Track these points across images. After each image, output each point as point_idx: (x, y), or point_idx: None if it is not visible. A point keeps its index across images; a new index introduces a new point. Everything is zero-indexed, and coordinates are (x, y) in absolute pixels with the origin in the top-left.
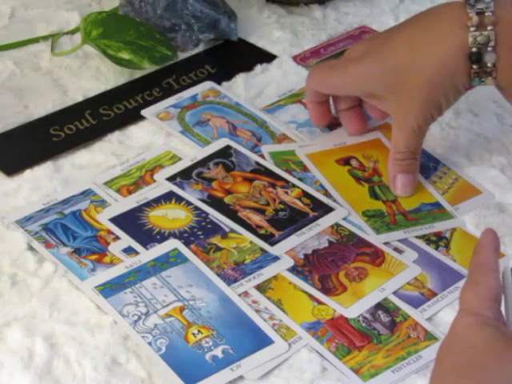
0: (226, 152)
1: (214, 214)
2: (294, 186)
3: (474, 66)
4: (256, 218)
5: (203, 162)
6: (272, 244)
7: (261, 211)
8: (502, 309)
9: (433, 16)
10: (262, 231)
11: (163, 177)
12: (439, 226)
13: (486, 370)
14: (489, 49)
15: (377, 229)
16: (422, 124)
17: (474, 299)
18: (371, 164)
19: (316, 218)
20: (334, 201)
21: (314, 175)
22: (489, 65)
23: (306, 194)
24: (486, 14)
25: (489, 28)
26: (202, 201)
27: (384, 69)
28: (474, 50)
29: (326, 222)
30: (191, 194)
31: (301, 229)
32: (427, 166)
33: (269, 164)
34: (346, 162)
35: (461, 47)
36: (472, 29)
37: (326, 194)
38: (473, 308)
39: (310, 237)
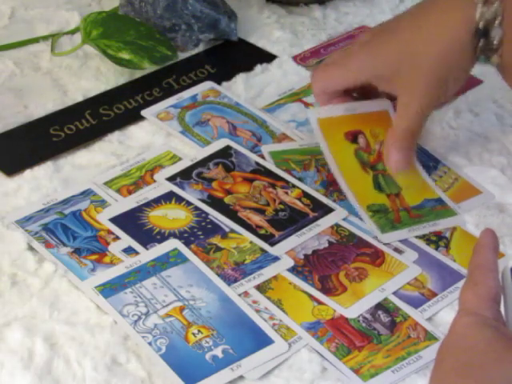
0: (226, 152)
1: (214, 214)
2: (293, 186)
3: (481, 43)
4: (256, 218)
5: (203, 162)
6: (272, 244)
7: (261, 211)
8: (502, 309)
9: None
10: (262, 231)
11: (163, 177)
12: (443, 224)
13: (485, 370)
14: (495, 24)
15: (382, 227)
16: (425, 106)
17: (474, 299)
18: (377, 146)
19: (316, 219)
20: (337, 199)
21: (314, 174)
22: (495, 42)
23: (305, 195)
24: None
25: (496, 4)
26: (202, 201)
27: (392, 49)
28: (480, 25)
29: (325, 222)
30: (191, 194)
31: (301, 229)
32: (427, 165)
33: (269, 164)
34: (354, 137)
35: (468, 23)
36: (479, 5)
37: (326, 193)
38: (472, 308)
39: (310, 237)
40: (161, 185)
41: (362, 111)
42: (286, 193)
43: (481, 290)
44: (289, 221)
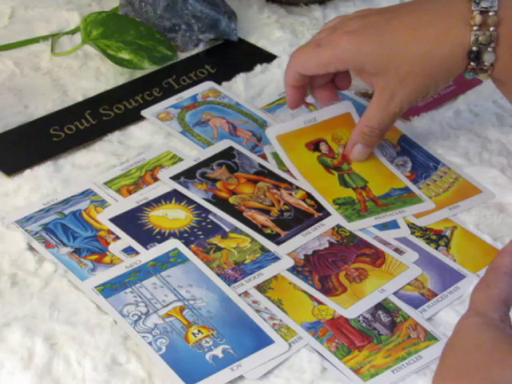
0: (228, 153)
1: (220, 214)
2: (297, 188)
3: (472, 64)
4: (261, 218)
5: (206, 163)
6: (278, 243)
7: (266, 212)
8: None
9: (437, 7)
10: (268, 231)
11: (167, 176)
12: (409, 210)
13: (489, 370)
14: (489, 49)
15: (348, 216)
16: (405, 108)
17: (483, 300)
18: (340, 149)
19: (321, 218)
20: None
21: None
22: (486, 64)
23: (309, 196)
24: (490, 13)
25: (491, 29)
26: (207, 200)
27: (381, 49)
28: (474, 48)
29: (331, 222)
30: (196, 194)
31: (306, 229)
32: (427, 165)
33: (272, 166)
34: (315, 146)
35: (462, 45)
36: (475, 28)
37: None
38: (480, 309)
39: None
40: (163, 184)
41: (323, 119)
42: (290, 194)
43: (492, 291)
44: (294, 221)
